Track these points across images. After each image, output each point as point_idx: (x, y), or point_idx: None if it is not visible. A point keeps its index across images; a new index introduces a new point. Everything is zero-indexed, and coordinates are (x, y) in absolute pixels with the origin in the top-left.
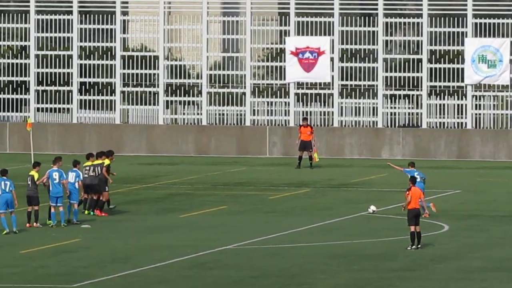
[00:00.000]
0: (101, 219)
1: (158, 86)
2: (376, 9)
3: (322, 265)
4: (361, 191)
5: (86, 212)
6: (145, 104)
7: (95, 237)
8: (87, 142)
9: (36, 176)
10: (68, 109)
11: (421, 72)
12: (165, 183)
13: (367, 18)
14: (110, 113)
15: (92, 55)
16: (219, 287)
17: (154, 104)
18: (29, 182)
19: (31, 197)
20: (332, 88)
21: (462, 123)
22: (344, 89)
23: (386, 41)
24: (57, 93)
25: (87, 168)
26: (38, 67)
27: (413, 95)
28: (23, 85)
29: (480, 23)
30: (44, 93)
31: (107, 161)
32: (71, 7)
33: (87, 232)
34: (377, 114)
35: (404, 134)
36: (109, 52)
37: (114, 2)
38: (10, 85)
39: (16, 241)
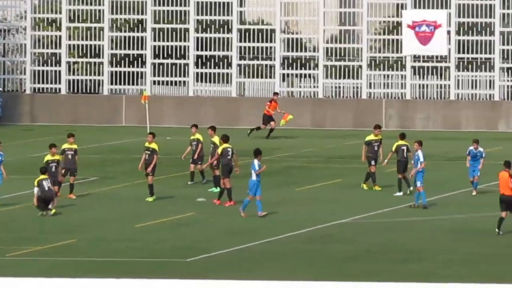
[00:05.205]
0: (217, 193)
1: (274, 59)
2: None
3: (437, 240)
4: None
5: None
6: (261, 77)
7: (210, 211)
8: (203, 115)
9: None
10: (184, 82)
11: None
12: (282, 156)
13: None
14: (226, 86)
15: (208, 29)
16: (336, 262)
17: (270, 77)
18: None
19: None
20: (449, 61)
21: None
22: (461, 62)
23: (503, 14)
24: (173, 66)
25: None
26: (154, 40)
27: None
28: (140, 58)
29: None
30: (161, 66)
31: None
32: None
33: (202, 206)
34: (494, 87)
35: None
36: (226, 26)
37: None
38: (127, 58)
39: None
